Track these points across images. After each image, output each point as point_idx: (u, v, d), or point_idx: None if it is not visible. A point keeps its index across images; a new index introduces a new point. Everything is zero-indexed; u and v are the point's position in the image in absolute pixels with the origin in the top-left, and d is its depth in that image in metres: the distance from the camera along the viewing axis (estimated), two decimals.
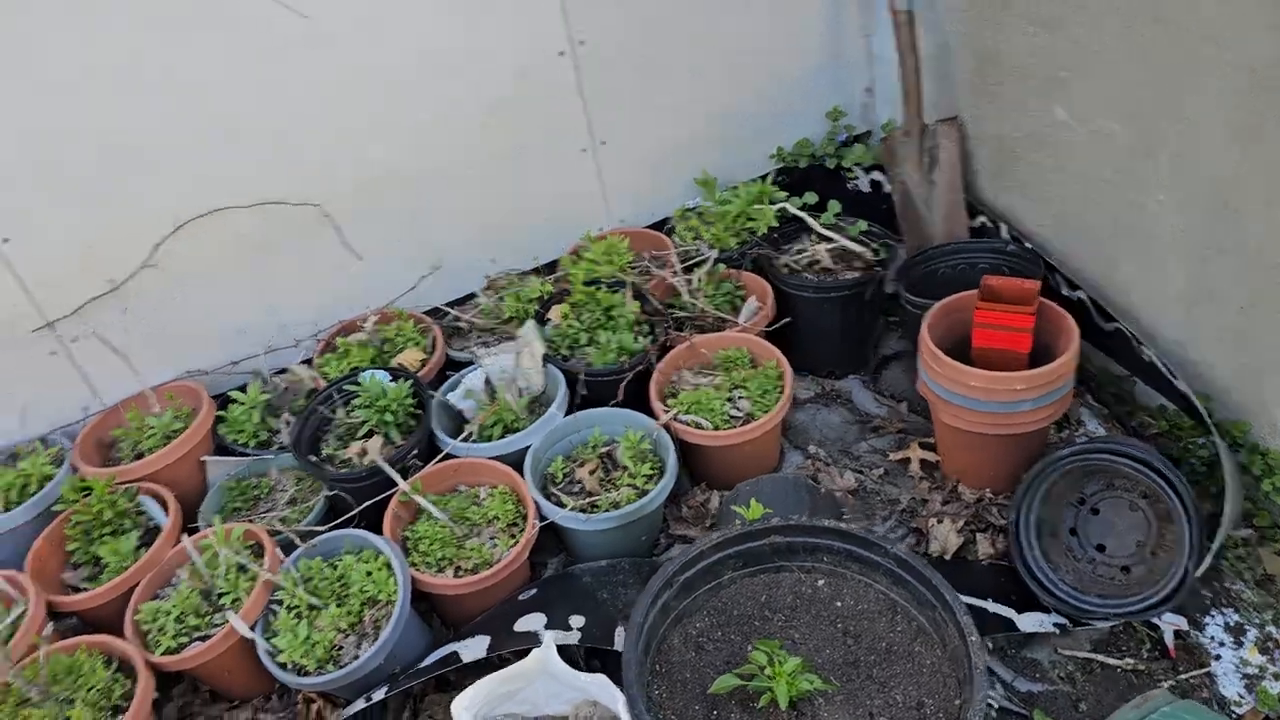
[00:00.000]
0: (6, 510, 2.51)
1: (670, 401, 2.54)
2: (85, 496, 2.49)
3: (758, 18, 2.95)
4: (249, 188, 2.64)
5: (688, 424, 2.45)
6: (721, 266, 2.87)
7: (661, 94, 2.96)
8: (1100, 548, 2.27)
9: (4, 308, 2.53)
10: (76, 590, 2.40)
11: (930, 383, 2.39)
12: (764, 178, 3.06)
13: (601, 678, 1.76)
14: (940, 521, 2.43)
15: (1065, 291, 2.62)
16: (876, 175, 3.11)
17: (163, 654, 2.19)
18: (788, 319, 2.76)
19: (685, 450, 2.51)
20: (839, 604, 1.98)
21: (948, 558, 2.38)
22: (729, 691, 1.80)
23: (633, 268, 2.90)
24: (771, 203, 2.89)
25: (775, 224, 2.86)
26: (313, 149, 2.66)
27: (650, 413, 2.51)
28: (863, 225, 2.88)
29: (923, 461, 2.62)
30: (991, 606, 2.20)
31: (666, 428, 2.45)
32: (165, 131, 2.48)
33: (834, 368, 2.94)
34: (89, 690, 2.12)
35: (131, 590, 2.32)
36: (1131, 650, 2.20)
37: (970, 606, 2.16)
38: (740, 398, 2.54)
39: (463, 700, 1.73)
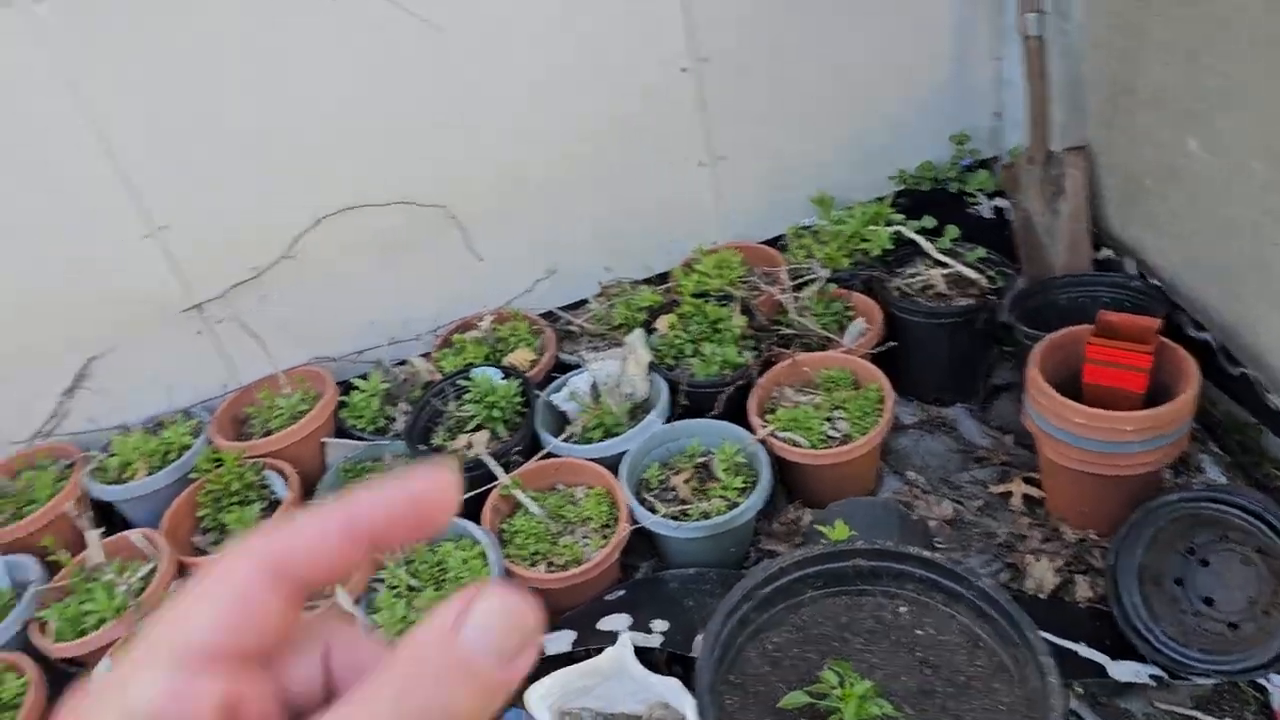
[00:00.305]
0: (150, 474, 2.73)
1: (769, 417, 2.56)
2: (217, 467, 2.68)
3: (885, 39, 2.95)
4: (384, 188, 2.79)
5: (785, 441, 2.47)
6: (832, 286, 2.87)
7: (783, 111, 2.98)
8: (1208, 601, 2.18)
9: (159, 289, 2.75)
10: (204, 553, 2.60)
11: (1035, 416, 2.34)
12: (882, 199, 3.04)
13: (674, 682, 1.81)
14: (1038, 559, 2.38)
15: (1191, 332, 2.52)
16: (1000, 202, 3.05)
17: None
18: (895, 343, 2.74)
19: (781, 467, 2.53)
20: (919, 632, 1.96)
21: (1043, 596, 2.33)
22: (799, 708, 1.81)
23: (742, 282, 2.93)
24: (888, 224, 2.88)
25: (890, 246, 2.85)
26: (444, 154, 2.79)
27: (748, 427, 2.53)
28: (981, 252, 2.83)
29: (1025, 496, 2.56)
30: (1084, 651, 2.14)
31: (763, 443, 2.48)
32: (313, 132, 2.66)
33: (941, 395, 2.90)
34: None
35: None
36: (1234, 711, 2.10)
37: (1059, 649, 2.11)
38: (839, 418, 2.54)
39: (539, 689, 1.80)
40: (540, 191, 2.92)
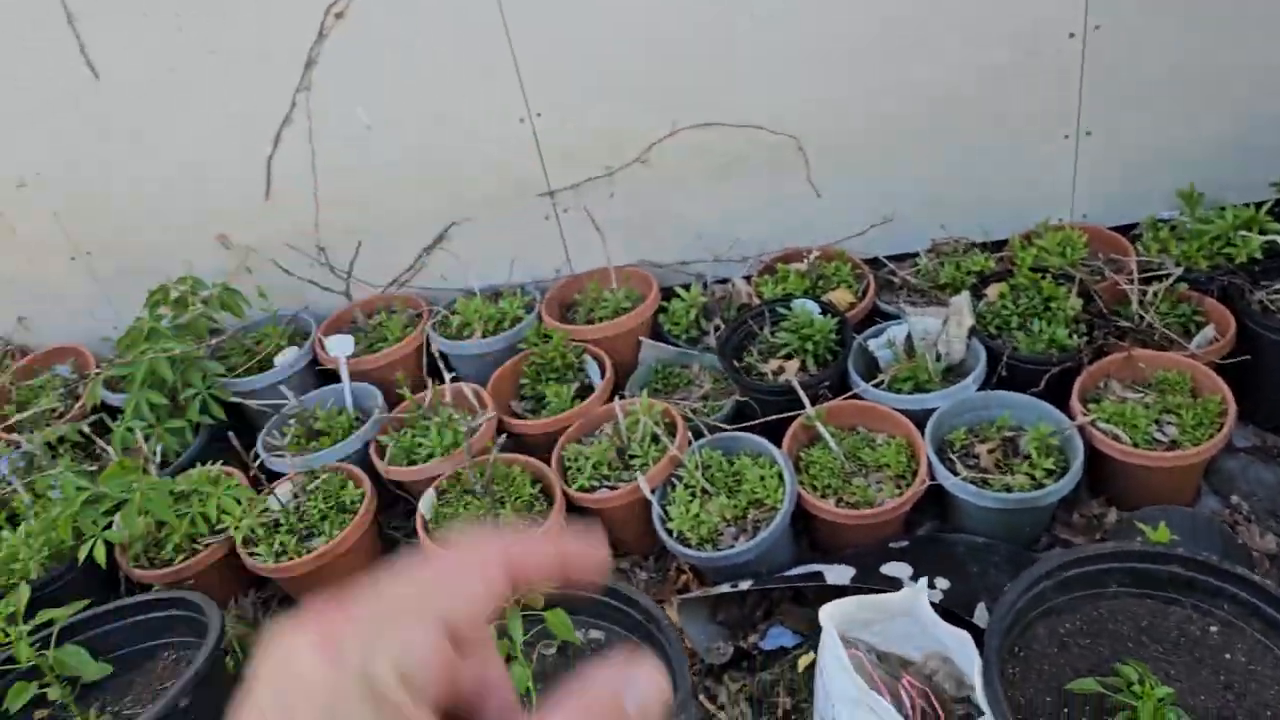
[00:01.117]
0: (484, 337, 3.01)
1: (1091, 406, 2.47)
2: (544, 343, 2.91)
3: None
4: (739, 109, 2.87)
5: (1106, 433, 2.38)
6: (1183, 286, 2.70)
7: (1165, 94, 2.79)
8: None
9: (524, 172, 2.99)
10: (520, 417, 2.84)
11: None
12: (1260, 205, 2.80)
13: (964, 634, 1.82)
14: None
15: None
16: None
17: (576, 489, 2.54)
18: (1246, 357, 2.55)
19: (1093, 459, 2.44)
20: (1228, 656, 1.87)
21: None
22: (1085, 695, 1.79)
23: (1084, 265, 2.81)
24: (1261, 232, 2.66)
25: (1259, 256, 2.63)
26: (805, 88, 2.83)
27: (1066, 411, 2.46)
28: None
29: None
30: None
31: (1081, 430, 2.40)
32: (689, 44, 2.76)
33: None
34: (516, 499, 2.53)
35: (562, 431, 2.71)
36: None
37: None
38: (1169, 423, 2.41)
39: (831, 608, 1.87)
40: (890, 138, 2.91)
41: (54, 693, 2.09)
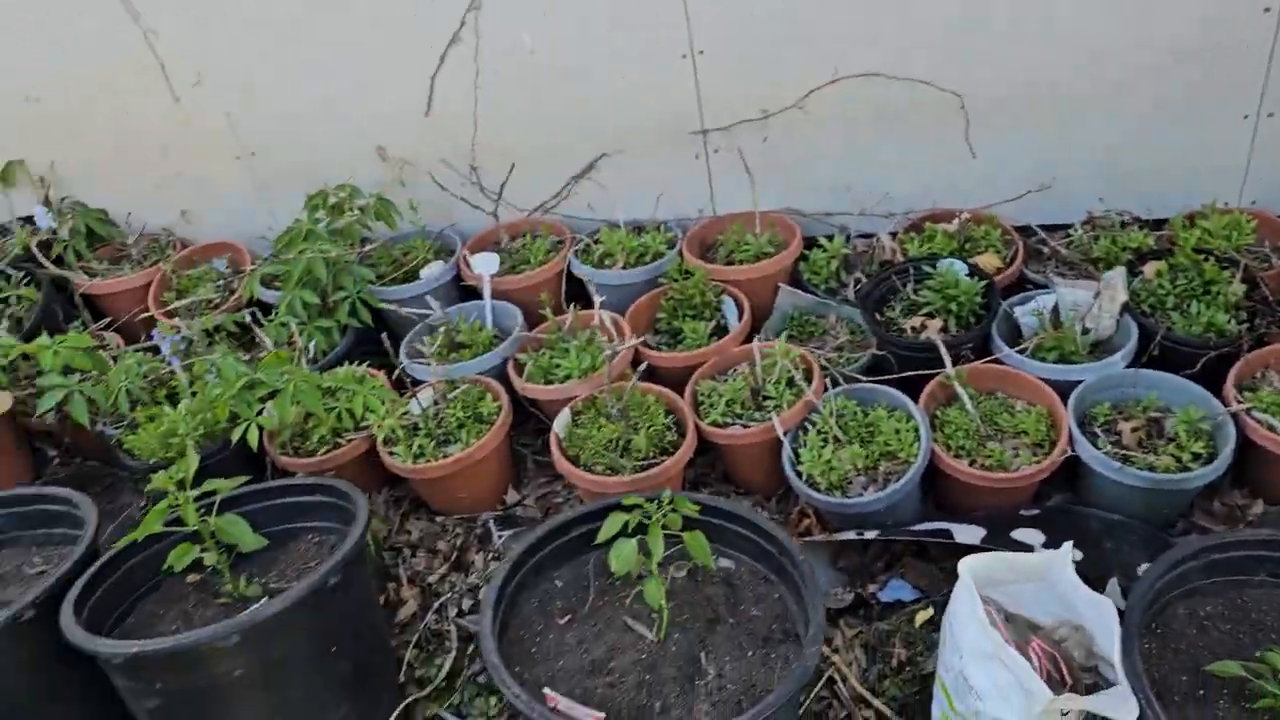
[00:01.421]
0: (625, 268, 3.05)
1: (1247, 395, 2.40)
2: (684, 279, 2.94)
3: None
4: (904, 62, 2.83)
5: (1261, 423, 2.31)
6: None
7: None
8: None
9: (679, 109, 3.00)
10: (653, 349, 2.88)
11: None
12: None
13: (1107, 602, 1.81)
14: None
15: None
16: None
17: (709, 424, 2.58)
18: None
19: (1243, 448, 2.37)
20: None
21: None
22: (1224, 678, 1.77)
23: (1250, 252, 2.72)
24: None
25: None
26: (975, 44, 2.77)
27: (1219, 397, 2.39)
28: None
29: None
30: None
31: (1234, 418, 2.33)
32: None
33: None
34: (649, 427, 2.58)
35: (697, 366, 2.74)
36: None
37: None
38: None
39: (972, 561, 1.87)
40: (1057, 103, 2.83)
41: (210, 558, 2.22)
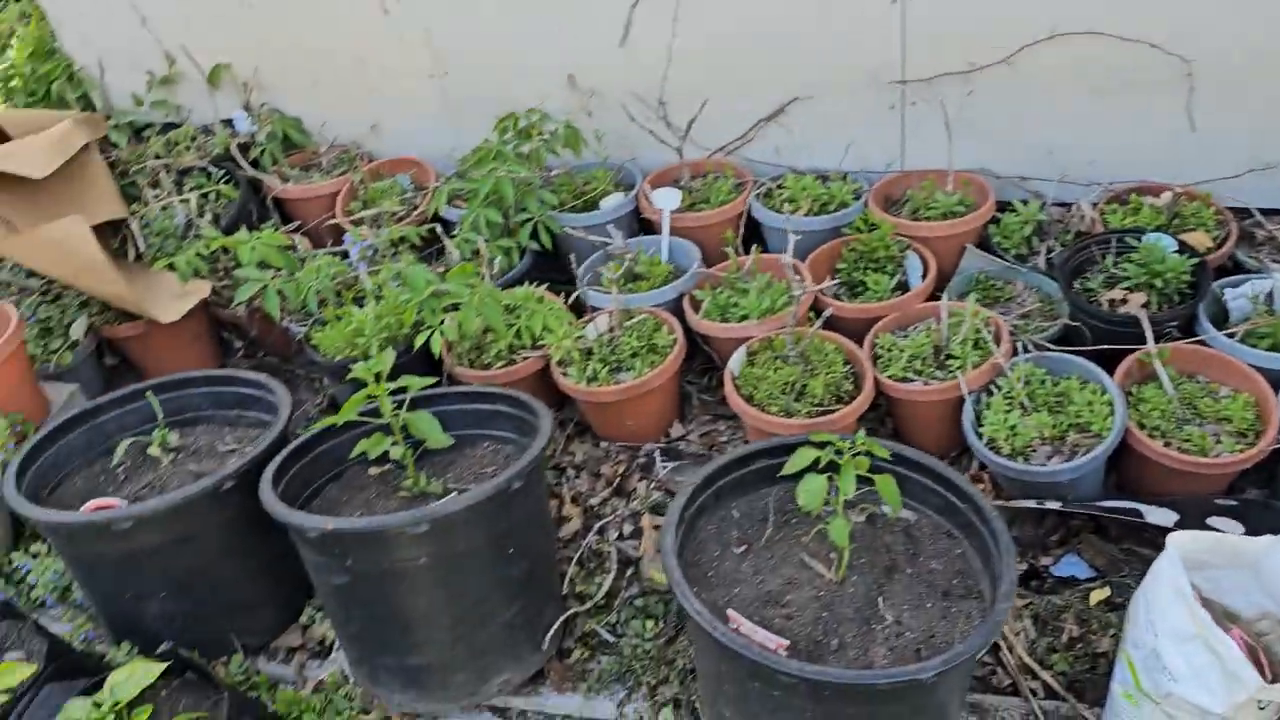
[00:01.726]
0: (808, 215, 3.00)
1: None
2: (869, 231, 2.88)
3: None
4: (1132, 22, 2.67)
5: None
6: None
7: None
8: None
9: (881, 57, 2.93)
10: (835, 298, 2.84)
11: None
12: None
13: None
14: None
15: None
16: None
17: (888, 377, 2.53)
18: None
19: None
20: None
21: None
22: None
23: None
24: None
25: None
26: (1211, 5, 2.60)
27: None
28: None
29: None
30: None
31: None
32: None
33: None
34: (827, 374, 2.55)
35: (877, 319, 2.69)
36: None
37: None
38: None
39: (1182, 538, 1.79)
40: None
41: (396, 451, 2.30)
